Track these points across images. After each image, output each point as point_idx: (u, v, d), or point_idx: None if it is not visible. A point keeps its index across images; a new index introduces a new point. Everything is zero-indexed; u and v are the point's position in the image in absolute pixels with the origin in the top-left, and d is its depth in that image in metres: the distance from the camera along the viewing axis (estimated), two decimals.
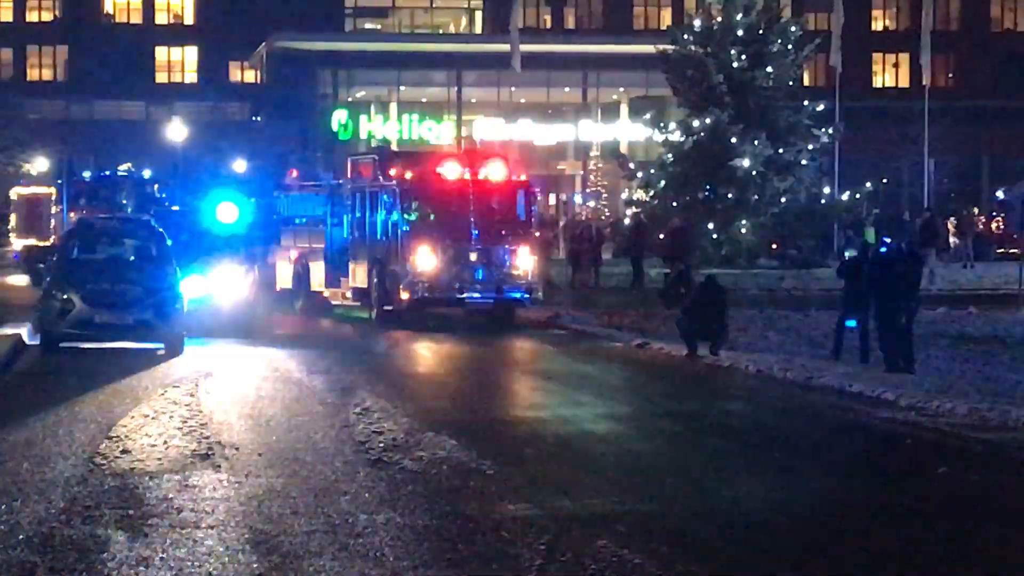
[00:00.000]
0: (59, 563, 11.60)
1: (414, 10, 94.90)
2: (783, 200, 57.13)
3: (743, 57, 56.93)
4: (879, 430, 19.64)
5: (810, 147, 58.10)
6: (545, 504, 13.97)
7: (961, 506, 14.78)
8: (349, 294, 36.70)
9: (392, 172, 34.83)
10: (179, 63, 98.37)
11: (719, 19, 57.70)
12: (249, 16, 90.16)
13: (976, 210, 71.98)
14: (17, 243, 53.82)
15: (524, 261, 34.47)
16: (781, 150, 56.99)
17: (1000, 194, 63.91)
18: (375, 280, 34.99)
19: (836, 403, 22.04)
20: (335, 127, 77.91)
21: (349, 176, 37.97)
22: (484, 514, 13.45)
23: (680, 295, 30.82)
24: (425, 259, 33.77)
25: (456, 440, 17.53)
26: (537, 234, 37.65)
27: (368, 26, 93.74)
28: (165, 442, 17.18)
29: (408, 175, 34.46)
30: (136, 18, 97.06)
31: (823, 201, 59.10)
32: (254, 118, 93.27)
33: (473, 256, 33.99)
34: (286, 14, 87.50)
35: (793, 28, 58.56)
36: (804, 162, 57.91)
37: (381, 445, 17.02)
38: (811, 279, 47.31)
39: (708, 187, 56.87)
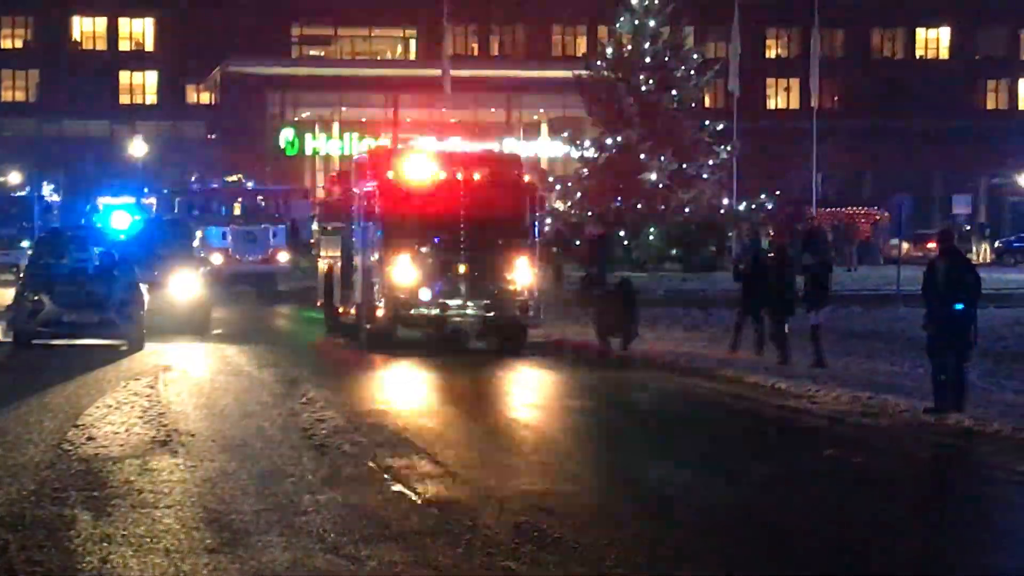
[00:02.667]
0: (29, 540, 11.48)
1: (354, 39, 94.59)
2: (687, 210, 57.48)
3: (650, 82, 57.24)
4: (773, 416, 19.73)
5: (711, 163, 58.46)
6: (473, 484, 13.95)
7: (845, 482, 14.90)
8: (353, 310, 29.06)
9: (374, 172, 28.16)
10: (140, 86, 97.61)
11: (629, 48, 58.01)
12: (204, 43, 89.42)
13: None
14: None
15: (522, 275, 27.47)
16: (684, 165, 57.37)
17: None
18: (363, 295, 28.01)
19: (735, 392, 22.11)
20: (282, 144, 77.99)
21: (354, 179, 30.50)
22: (418, 493, 13.41)
23: (594, 296, 30.77)
24: (401, 271, 27.03)
25: (392, 427, 17.49)
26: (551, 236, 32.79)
27: (313, 53, 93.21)
28: (127, 430, 17.02)
29: (389, 174, 27.56)
30: (101, 45, 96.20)
31: (722, 211, 59.42)
32: (209, 136, 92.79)
33: (460, 268, 27.06)
34: (238, 41, 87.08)
35: (695, 56, 59.06)
36: (705, 176, 58.28)
37: (324, 432, 16.94)
38: (711, 281, 47.45)
39: (619, 198, 57.14)
